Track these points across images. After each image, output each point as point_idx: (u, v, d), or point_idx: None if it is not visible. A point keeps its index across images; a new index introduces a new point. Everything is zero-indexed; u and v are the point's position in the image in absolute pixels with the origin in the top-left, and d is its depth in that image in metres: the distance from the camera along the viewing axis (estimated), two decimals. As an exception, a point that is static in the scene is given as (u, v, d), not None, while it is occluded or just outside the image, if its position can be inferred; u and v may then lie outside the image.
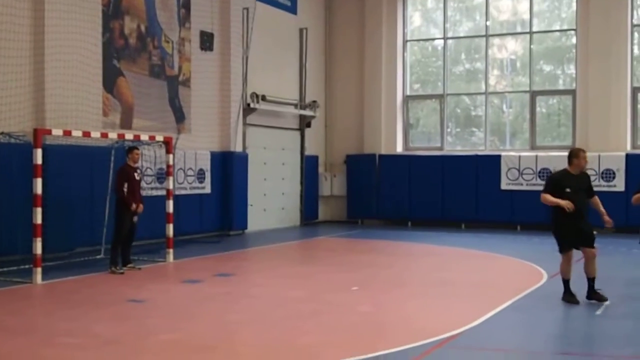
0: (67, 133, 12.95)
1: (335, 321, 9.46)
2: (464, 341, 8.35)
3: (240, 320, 9.53)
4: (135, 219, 13.46)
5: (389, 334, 8.81)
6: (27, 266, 12.42)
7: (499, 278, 13.44)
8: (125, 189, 13.23)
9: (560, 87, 23.57)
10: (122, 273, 12.98)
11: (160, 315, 9.78)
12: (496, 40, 24.37)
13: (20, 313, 9.94)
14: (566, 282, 10.65)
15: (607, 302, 10.39)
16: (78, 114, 15.44)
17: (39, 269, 12.05)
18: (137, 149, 13.73)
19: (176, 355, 7.73)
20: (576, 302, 10.38)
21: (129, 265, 13.36)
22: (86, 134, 13.22)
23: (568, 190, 10.37)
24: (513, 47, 24.33)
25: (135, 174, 13.53)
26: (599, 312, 9.96)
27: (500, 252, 16.64)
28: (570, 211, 10.21)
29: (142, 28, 17.81)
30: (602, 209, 10.68)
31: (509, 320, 9.57)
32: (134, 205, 13.21)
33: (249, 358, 7.71)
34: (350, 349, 7.91)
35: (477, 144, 24.23)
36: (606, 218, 10.63)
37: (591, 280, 10.56)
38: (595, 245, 10.57)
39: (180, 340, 8.32)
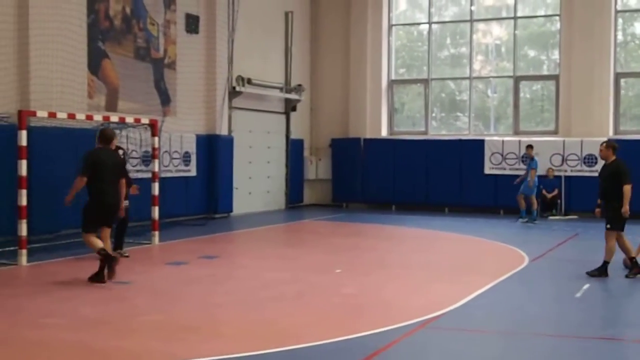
0: (52, 115, 12.95)
1: (319, 303, 9.58)
2: (445, 323, 8.48)
3: (224, 301, 9.63)
4: (125, 203, 13.25)
5: (371, 316, 8.92)
6: (12, 248, 12.44)
7: (480, 261, 13.60)
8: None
9: (545, 72, 23.71)
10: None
11: (146, 297, 9.87)
12: (481, 26, 24.48)
13: (5, 294, 9.96)
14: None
15: (586, 286, 10.59)
16: (63, 95, 15.41)
17: (24, 251, 12.09)
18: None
19: (161, 335, 7.82)
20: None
21: (118, 251, 13.16)
22: (71, 116, 13.23)
23: None
24: (498, 32, 24.43)
25: None
26: (578, 294, 10.12)
27: (483, 235, 16.80)
28: None
29: (128, 10, 17.77)
30: None
31: (489, 302, 9.71)
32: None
33: (233, 339, 7.80)
34: (333, 330, 8.03)
35: (462, 128, 24.37)
36: None
37: None
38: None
39: (165, 321, 8.42)
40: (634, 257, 11.45)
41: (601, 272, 11.32)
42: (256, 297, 9.86)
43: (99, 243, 10.60)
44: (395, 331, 7.98)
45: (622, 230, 11.36)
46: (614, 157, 11.47)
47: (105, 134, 11.09)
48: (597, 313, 9.27)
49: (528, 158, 20.26)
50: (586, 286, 10.57)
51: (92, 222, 10.75)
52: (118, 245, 13.19)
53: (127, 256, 13.07)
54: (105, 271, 10.45)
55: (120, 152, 13.42)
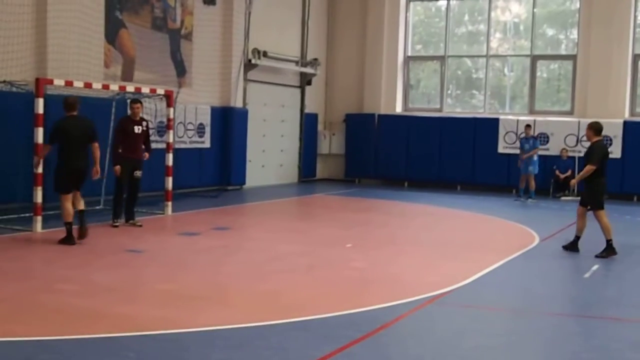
0: (69, 83, 13.00)
1: (328, 276, 9.66)
2: (453, 299, 8.54)
3: (235, 272, 9.73)
4: (138, 174, 13.26)
5: (380, 290, 8.99)
6: (27, 214, 12.56)
7: (491, 239, 13.64)
8: (120, 144, 13.18)
9: (563, 51, 23.53)
10: (116, 226, 13.05)
11: (157, 266, 9.99)
12: (500, 3, 24.29)
13: (20, 260, 10.13)
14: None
15: (595, 267, 10.63)
16: (79, 64, 15.47)
17: (39, 218, 12.21)
18: (136, 102, 13.46)
19: (171, 303, 7.92)
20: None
21: (131, 222, 13.30)
22: (87, 85, 13.28)
23: None
24: (517, 10, 24.24)
25: (136, 127, 13.24)
26: (587, 274, 10.16)
27: (495, 214, 16.83)
28: None
29: (145, -20, 17.77)
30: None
31: (498, 280, 9.77)
32: (116, 167, 13.02)
33: (242, 308, 7.89)
34: (341, 303, 8.12)
35: (477, 106, 24.29)
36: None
37: None
38: None
39: (175, 290, 8.52)
40: (579, 237, 11.80)
41: (608, 252, 11.35)
42: (266, 269, 9.95)
43: (70, 215, 11.27)
44: (403, 306, 8.05)
45: (602, 208, 11.53)
46: (595, 139, 11.70)
47: (67, 102, 11.54)
48: (604, 293, 9.31)
49: (532, 138, 20.34)
50: (595, 267, 10.60)
51: (63, 185, 11.35)
52: (129, 216, 13.33)
53: (140, 226, 13.20)
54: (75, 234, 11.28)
55: (144, 123, 13.53)
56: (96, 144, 11.63)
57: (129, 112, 13.72)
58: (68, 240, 11.14)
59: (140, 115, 13.47)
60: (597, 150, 11.53)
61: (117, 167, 13.03)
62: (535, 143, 20.26)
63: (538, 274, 10.39)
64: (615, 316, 8.08)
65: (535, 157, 20.10)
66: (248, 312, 7.69)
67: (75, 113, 11.53)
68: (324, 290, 8.87)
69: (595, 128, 11.68)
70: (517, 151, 21.98)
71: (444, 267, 10.50)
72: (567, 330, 7.53)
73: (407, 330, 7.36)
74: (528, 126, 20.52)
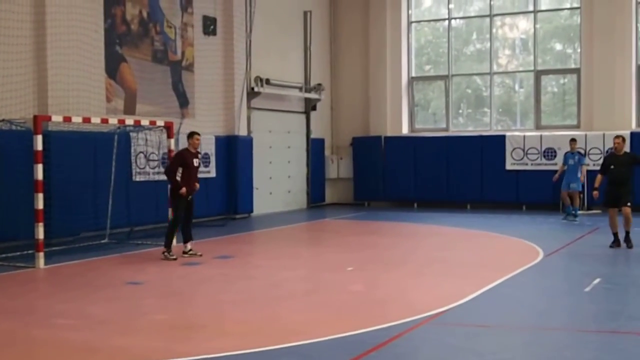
0: (67, 119, 13.14)
1: (324, 300, 9.63)
2: (449, 318, 8.47)
3: (233, 300, 9.71)
4: (190, 197, 13.36)
5: (376, 312, 8.93)
6: (30, 251, 12.63)
7: (495, 257, 13.54)
8: (179, 174, 13.06)
9: (572, 66, 23.37)
10: (174, 259, 13.00)
11: (155, 297, 10.00)
12: (507, 20, 24.28)
13: (19, 296, 10.16)
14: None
15: (596, 280, 10.53)
16: (81, 100, 15.63)
17: (41, 254, 12.27)
18: (197, 134, 13.39)
19: (166, 333, 7.92)
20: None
21: (190, 244, 13.36)
22: (86, 120, 13.40)
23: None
24: (524, 26, 24.18)
25: (195, 160, 13.24)
26: (588, 288, 10.05)
27: (502, 231, 16.72)
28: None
29: (144, 14, 17.95)
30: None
31: (498, 297, 9.69)
32: (183, 190, 12.94)
33: (237, 336, 7.86)
34: (335, 326, 8.05)
35: (488, 124, 24.18)
36: None
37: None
38: None
39: (171, 320, 8.53)
40: (616, 232, 13.61)
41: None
42: (265, 296, 9.93)
43: None
44: (398, 327, 7.99)
45: (608, 206, 13.66)
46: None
47: None
48: (604, 307, 9.19)
49: (578, 153, 19.85)
50: (597, 280, 10.48)
51: None
52: (187, 237, 13.40)
53: (200, 255, 13.25)
54: None
55: (200, 155, 13.55)
56: None
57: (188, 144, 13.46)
58: None
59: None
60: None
61: (184, 190, 12.97)
62: (581, 159, 19.54)
63: (538, 289, 10.31)
64: (613, 329, 7.98)
65: (579, 174, 19.35)
66: (243, 339, 7.65)
67: None
68: (319, 314, 8.83)
69: None
70: (525, 167, 21.92)
71: (444, 287, 10.43)
72: (560, 345, 7.42)
73: (398, 351, 7.29)
74: (573, 140, 19.65)
